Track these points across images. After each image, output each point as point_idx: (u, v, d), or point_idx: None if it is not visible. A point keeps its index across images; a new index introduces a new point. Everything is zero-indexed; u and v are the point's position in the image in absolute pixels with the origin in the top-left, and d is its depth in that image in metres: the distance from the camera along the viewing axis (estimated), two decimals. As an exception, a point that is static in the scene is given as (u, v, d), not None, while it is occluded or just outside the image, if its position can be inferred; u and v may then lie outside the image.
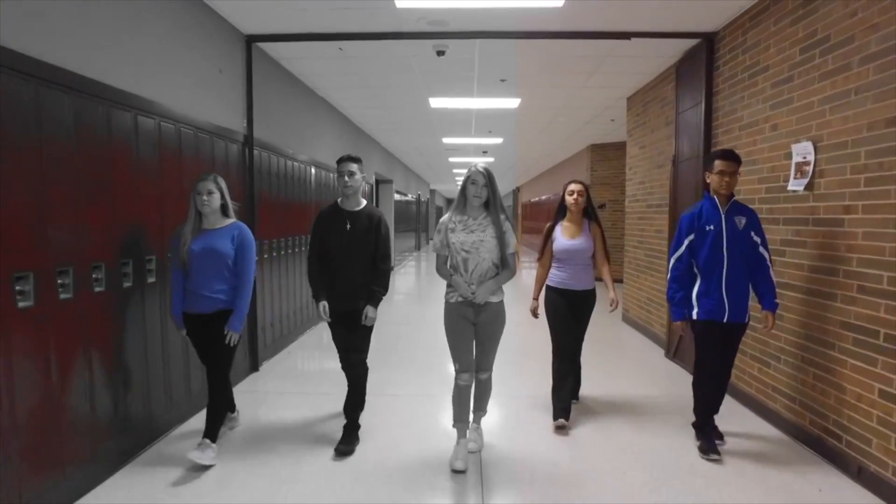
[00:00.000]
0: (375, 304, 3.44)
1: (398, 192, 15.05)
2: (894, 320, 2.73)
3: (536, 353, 5.07)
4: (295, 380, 4.91)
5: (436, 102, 7.47)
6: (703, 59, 4.76)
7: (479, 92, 6.94)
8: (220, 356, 3.25)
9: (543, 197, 18.09)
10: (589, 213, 3.84)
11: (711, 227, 3.24)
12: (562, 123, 9.14)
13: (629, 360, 5.59)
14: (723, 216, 3.23)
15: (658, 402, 4.27)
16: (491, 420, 3.72)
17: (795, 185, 3.51)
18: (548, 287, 3.86)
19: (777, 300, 3.28)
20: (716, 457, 3.25)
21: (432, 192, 28.12)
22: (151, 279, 3.40)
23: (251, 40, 4.77)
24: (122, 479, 3.04)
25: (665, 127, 5.84)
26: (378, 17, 4.34)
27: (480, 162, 3.11)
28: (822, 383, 3.30)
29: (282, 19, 4.43)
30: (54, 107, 2.62)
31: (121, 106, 3.08)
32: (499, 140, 11.25)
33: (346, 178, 3.43)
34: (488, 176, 3.08)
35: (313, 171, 6.55)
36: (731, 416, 3.84)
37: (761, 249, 3.25)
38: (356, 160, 3.48)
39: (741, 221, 3.23)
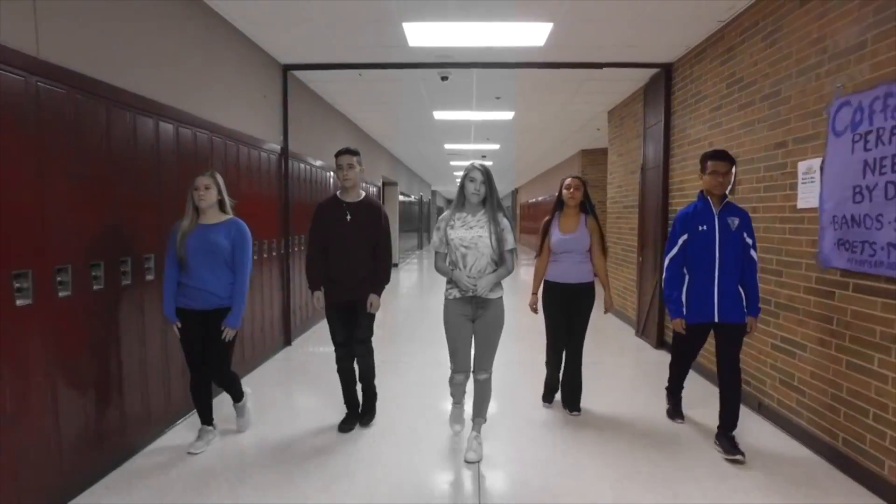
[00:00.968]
0: (379, 293, 3.53)
1: (402, 194, 16.01)
2: (785, 293, 3.68)
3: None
4: (320, 353, 5.87)
5: (439, 115, 8.46)
6: (662, 85, 5.73)
7: (478, 107, 7.92)
8: (218, 351, 3.28)
9: (540, 198, 19.06)
10: (586, 207, 3.86)
11: (704, 227, 3.25)
12: (553, 132, 10.12)
13: (609, 339, 6.52)
14: (716, 216, 3.25)
15: (629, 369, 5.24)
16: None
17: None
18: (546, 282, 3.90)
19: (759, 304, 3.35)
20: (680, 420, 3.57)
21: (434, 193, 29.06)
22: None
23: (287, 69, 5.75)
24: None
25: (636, 139, 6.80)
26: (393, 53, 5.30)
27: (478, 161, 3.27)
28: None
29: (313, 53, 5.39)
30: (148, 132, 3.58)
31: (203, 131, 4.05)
32: (496, 146, 12.24)
33: (346, 171, 3.47)
34: (486, 173, 3.11)
35: (331, 175, 7.52)
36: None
37: (752, 252, 3.26)
38: (355, 152, 3.52)
39: (734, 222, 3.23)
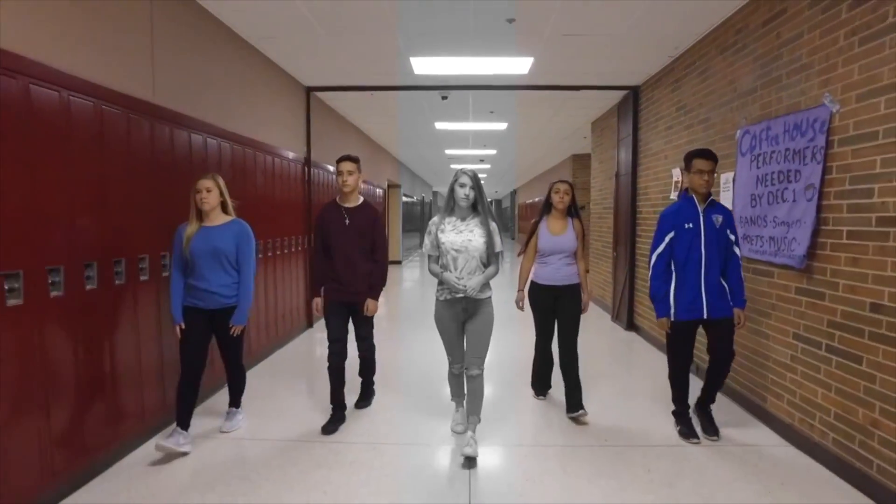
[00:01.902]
0: (376, 297, 3.65)
1: (405, 196, 16.99)
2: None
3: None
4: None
5: (440, 126, 9.45)
6: (631, 104, 6.70)
7: (474, 119, 8.90)
8: (229, 347, 3.45)
9: (537, 199, 20.03)
10: (571, 211, 3.99)
11: (690, 225, 3.31)
12: (544, 139, 11.10)
13: (588, 324, 7.40)
14: (701, 214, 3.34)
15: (604, 347, 6.20)
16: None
17: (673, 194, 5.44)
18: (533, 283, 3.99)
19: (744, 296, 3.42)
20: (696, 440, 3.40)
21: (434, 193, 30.02)
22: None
23: (310, 90, 6.73)
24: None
25: (612, 149, 7.77)
26: (401, 78, 6.27)
27: (468, 166, 3.34)
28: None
29: (333, 77, 6.36)
30: (201, 148, 4.55)
31: (250, 147, 5.02)
32: (493, 152, 13.22)
33: (346, 176, 3.57)
34: (475, 178, 3.21)
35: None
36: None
37: (735, 248, 3.36)
38: (354, 159, 3.62)
39: (718, 220, 3.32)
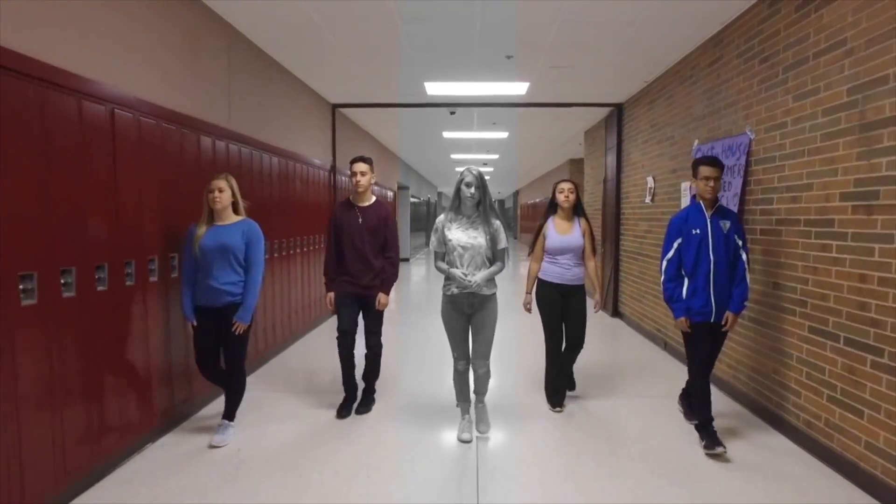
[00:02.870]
0: (387, 291, 3.76)
1: (413, 197, 17.97)
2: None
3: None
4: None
5: (447, 134, 10.43)
6: (615, 119, 7.66)
7: (478, 129, 9.88)
8: (232, 345, 3.39)
9: (538, 200, 21.03)
10: (578, 210, 4.01)
11: (698, 231, 3.34)
12: (542, 145, 12.08)
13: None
14: (708, 220, 3.36)
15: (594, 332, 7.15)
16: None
17: (647, 200, 6.40)
18: (541, 281, 3.97)
19: (746, 303, 3.41)
20: (721, 449, 3.22)
21: (439, 194, 30.97)
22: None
23: (335, 107, 7.72)
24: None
25: (602, 157, 8.73)
26: (414, 97, 7.24)
27: (473, 166, 3.40)
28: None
29: (356, 96, 7.34)
30: (253, 160, 5.53)
31: (291, 160, 6.00)
32: (496, 156, 14.22)
33: (359, 177, 3.69)
34: (480, 178, 3.28)
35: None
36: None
37: (742, 252, 3.37)
38: (367, 160, 3.74)
39: (726, 225, 3.34)
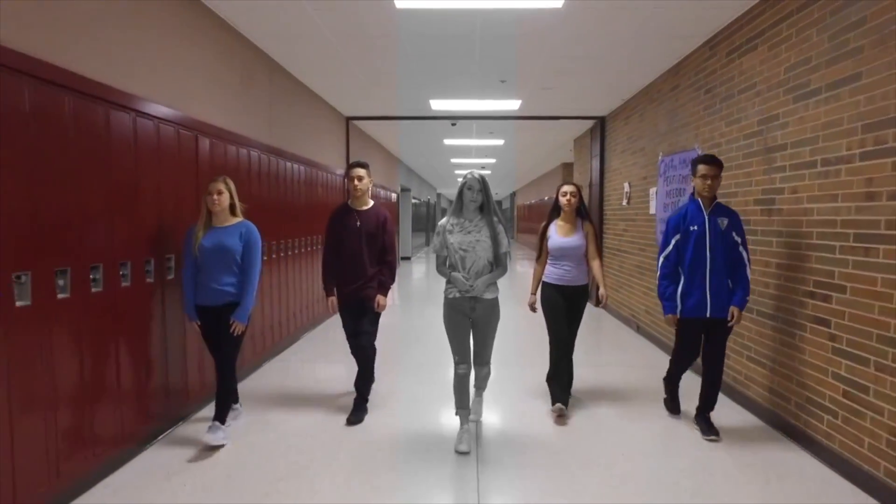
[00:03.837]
0: (385, 293, 3.76)
1: (414, 198, 18.88)
2: (649, 262, 6.50)
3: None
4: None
5: (448, 141, 11.37)
6: (599, 130, 8.59)
7: (477, 136, 10.82)
8: (226, 345, 3.40)
9: (533, 201, 22.00)
10: (581, 212, 3.99)
11: (696, 228, 3.40)
12: (536, 151, 13.02)
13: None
14: (706, 217, 3.41)
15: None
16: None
17: (624, 202, 7.32)
18: (544, 283, 4.00)
19: (748, 297, 3.45)
20: (675, 416, 3.65)
21: (439, 195, 31.82)
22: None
23: (349, 119, 8.63)
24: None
25: (588, 162, 9.65)
26: (420, 111, 8.16)
27: (476, 171, 3.39)
28: (631, 295, 7.09)
29: (367, 110, 8.26)
30: (284, 169, 6.43)
31: (314, 168, 6.90)
32: (492, 160, 15.17)
33: (357, 182, 3.73)
34: (483, 182, 3.28)
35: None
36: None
37: (741, 249, 3.41)
38: (364, 165, 3.79)
39: (723, 222, 3.38)
